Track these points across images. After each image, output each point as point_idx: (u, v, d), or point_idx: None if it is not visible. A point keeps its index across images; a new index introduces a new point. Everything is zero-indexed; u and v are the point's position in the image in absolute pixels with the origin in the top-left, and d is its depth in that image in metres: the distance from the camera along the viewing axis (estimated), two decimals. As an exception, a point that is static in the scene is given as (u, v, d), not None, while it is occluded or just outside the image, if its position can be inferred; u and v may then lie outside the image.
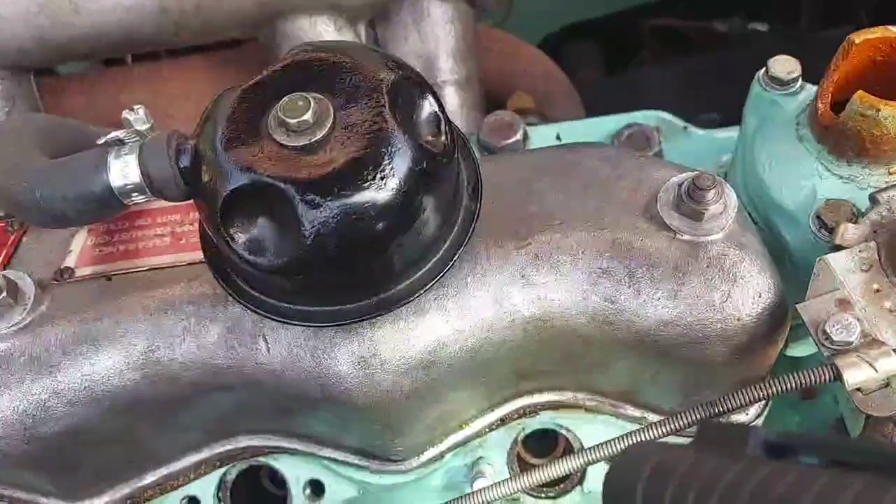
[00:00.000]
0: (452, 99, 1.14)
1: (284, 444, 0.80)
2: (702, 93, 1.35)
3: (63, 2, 1.01)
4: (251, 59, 1.19)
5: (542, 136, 0.95)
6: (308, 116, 0.55)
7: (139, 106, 0.68)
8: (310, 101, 0.55)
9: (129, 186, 0.59)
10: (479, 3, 1.19)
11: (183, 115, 1.16)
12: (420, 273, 0.61)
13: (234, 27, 1.08)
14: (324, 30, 1.07)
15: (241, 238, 0.57)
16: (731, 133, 0.92)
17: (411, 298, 0.61)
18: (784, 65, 0.77)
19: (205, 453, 0.80)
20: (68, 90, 1.20)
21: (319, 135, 0.55)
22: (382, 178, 0.54)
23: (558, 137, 0.96)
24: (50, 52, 1.05)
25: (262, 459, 0.81)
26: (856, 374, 0.56)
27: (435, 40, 1.12)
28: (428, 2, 1.11)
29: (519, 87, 1.30)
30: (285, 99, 0.55)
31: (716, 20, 1.71)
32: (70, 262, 0.74)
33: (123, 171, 0.59)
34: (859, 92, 0.66)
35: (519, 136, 0.91)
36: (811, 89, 0.77)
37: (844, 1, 1.58)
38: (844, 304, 0.61)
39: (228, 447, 0.80)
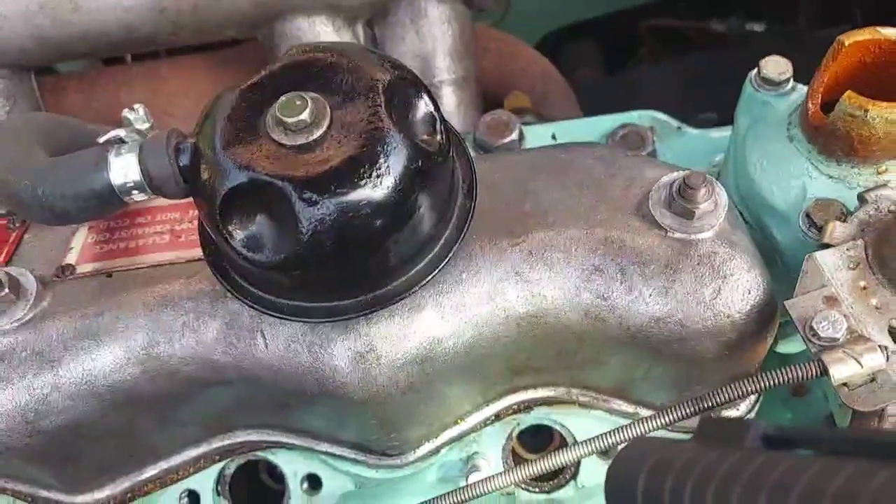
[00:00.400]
0: (450, 98, 1.15)
1: (282, 438, 0.81)
2: (700, 92, 1.36)
3: (63, 1, 1.02)
4: (250, 59, 1.20)
5: (538, 135, 0.96)
6: (305, 116, 0.56)
7: (139, 105, 0.69)
8: (307, 101, 0.56)
9: (129, 184, 0.60)
10: (477, 3, 1.20)
11: (182, 114, 1.17)
12: (415, 270, 0.62)
13: (232, 27, 1.09)
14: (322, 30, 1.07)
15: (239, 235, 0.58)
16: (724, 133, 0.93)
17: (407, 295, 0.62)
18: (775, 65, 0.78)
19: (204, 448, 0.81)
20: (68, 89, 1.20)
21: (316, 134, 0.56)
22: (378, 177, 0.55)
23: (554, 137, 0.97)
24: (50, 51, 1.06)
25: (261, 454, 0.82)
26: (842, 370, 0.57)
27: (432, 40, 1.13)
28: (425, 2, 1.11)
29: (516, 86, 1.30)
30: (283, 98, 0.56)
31: (714, 20, 1.71)
32: (71, 258, 0.75)
33: (124, 169, 0.60)
34: (848, 92, 0.66)
35: (515, 135, 0.92)
36: (802, 90, 0.78)
37: (842, 1, 1.59)
38: (832, 300, 0.62)
39: (227, 442, 0.81)
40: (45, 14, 1.01)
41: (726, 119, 0.87)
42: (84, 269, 0.74)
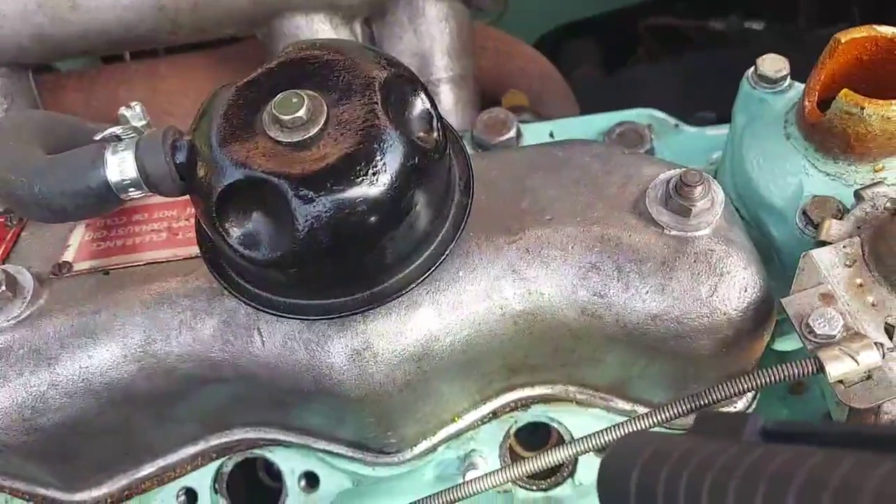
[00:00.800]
0: (447, 96, 1.15)
1: (280, 436, 0.81)
2: (699, 91, 1.36)
3: (62, -1, 1.02)
4: (249, 57, 1.20)
5: (536, 133, 0.96)
6: (302, 113, 0.56)
7: (136, 103, 0.69)
8: (303, 98, 0.56)
9: (125, 182, 0.60)
10: (475, 1, 1.20)
11: (181, 112, 1.17)
12: (412, 267, 0.62)
13: (231, 25, 1.09)
14: (320, 28, 1.08)
15: (235, 232, 0.58)
16: (721, 131, 0.93)
17: (403, 292, 0.62)
18: (772, 63, 0.78)
19: (201, 445, 0.81)
20: (67, 87, 1.21)
21: (313, 131, 0.56)
22: (374, 174, 0.55)
23: (551, 135, 0.97)
24: (48, 49, 1.06)
25: (258, 452, 0.82)
26: (838, 367, 0.57)
27: (430, 38, 1.13)
28: (423, 0, 1.12)
29: (514, 85, 1.30)
30: (279, 96, 0.56)
31: (713, 19, 1.71)
32: (68, 256, 0.75)
33: (120, 166, 0.60)
34: (844, 90, 0.67)
35: (512, 133, 0.92)
36: (799, 87, 0.78)
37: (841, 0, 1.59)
38: (828, 298, 0.62)
39: (224, 440, 0.81)
40: (44, 12, 1.01)
41: (726, 118, 0.87)
42: (81, 266, 0.74)
